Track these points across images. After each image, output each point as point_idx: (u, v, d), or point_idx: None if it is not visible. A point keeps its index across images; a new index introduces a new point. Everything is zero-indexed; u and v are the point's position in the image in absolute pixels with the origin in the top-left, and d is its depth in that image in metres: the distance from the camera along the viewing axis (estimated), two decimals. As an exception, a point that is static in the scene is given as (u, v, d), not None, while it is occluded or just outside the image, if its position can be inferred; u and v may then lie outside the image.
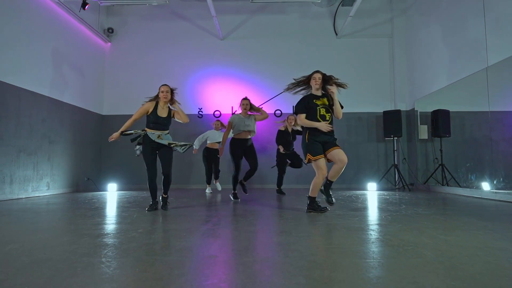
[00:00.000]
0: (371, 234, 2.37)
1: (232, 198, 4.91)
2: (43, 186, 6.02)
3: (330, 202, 3.49)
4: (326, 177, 3.47)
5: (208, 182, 6.56)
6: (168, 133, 3.87)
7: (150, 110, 3.79)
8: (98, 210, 3.85)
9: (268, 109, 8.20)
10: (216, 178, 6.72)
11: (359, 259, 1.73)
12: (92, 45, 7.82)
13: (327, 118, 3.52)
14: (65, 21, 6.77)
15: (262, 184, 7.91)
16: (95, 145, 7.83)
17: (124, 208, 4.07)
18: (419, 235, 2.31)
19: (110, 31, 8.27)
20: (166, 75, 8.33)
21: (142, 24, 8.46)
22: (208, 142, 6.61)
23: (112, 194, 6.10)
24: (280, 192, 5.92)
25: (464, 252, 1.86)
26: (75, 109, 7.08)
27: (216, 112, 8.21)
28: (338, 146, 3.46)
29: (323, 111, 3.52)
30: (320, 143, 3.44)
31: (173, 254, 1.87)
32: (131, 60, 8.40)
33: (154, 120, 3.74)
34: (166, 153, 3.76)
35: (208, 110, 8.25)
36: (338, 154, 3.37)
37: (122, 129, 3.77)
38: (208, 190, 6.52)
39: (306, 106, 3.54)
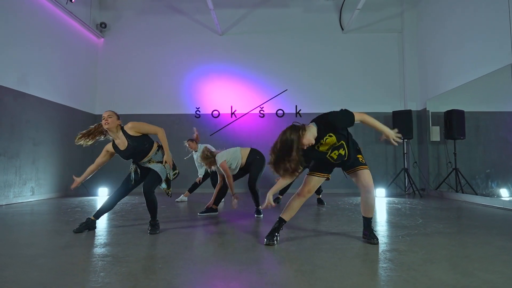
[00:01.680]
0: (388, 269, 1.91)
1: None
2: (26, 192, 5.60)
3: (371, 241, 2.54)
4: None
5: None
6: (150, 160, 3.01)
7: (112, 150, 3.02)
8: (76, 222, 3.41)
9: (270, 108, 7.74)
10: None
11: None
12: (84, 41, 7.39)
13: (344, 154, 2.46)
14: (52, 14, 6.33)
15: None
16: (86, 147, 7.39)
17: (105, 220, 3.62)
18: (451, 271, 1.84)
19: (103, 26, 7.83)
20: (162, 72, 7.90)
21: (137, 19, 8.02)
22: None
23: (101, 200, 5.67)
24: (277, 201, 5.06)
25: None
26: (64, 109, 6.65)
27: (214, 112, 7.76)
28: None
29: (335, 154, 2.47)
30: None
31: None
32: (125, 56, 7.96)
33: (123, 156, 3.00)
34: (150, 173, 3.01)
35: (206, 109, 7.80)
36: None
37: (83, 176, 3.12)
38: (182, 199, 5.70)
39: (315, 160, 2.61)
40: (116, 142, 2.95)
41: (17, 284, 1.65)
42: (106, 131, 2.95)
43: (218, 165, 3.89)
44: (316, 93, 7.72)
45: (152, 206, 2.99)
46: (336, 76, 7.73)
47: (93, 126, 3.07)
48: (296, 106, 7.73)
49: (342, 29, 7.81)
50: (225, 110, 7.76)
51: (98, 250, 2.33)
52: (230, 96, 7.78)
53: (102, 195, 6.45)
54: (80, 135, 3.03)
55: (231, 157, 3.96)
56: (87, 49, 7.52)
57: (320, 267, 1.93)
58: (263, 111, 7.72)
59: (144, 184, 2.99)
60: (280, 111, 7.72)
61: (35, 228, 3.26)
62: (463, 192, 5.94)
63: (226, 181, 3.91)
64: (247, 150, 4.10)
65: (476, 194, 5.67)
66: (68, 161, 6.69)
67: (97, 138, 3.04)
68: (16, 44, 5.43)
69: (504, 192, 5.25)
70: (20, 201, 5.41)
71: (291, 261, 2.11)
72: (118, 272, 1.83)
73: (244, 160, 4.02)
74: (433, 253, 2.23)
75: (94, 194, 6.74)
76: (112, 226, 3.32)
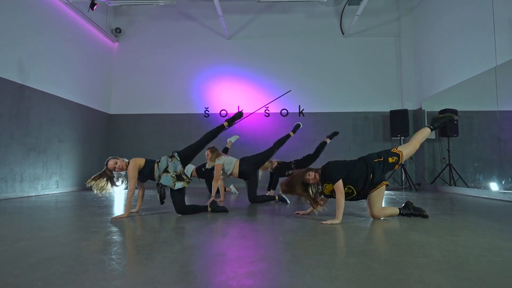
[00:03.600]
0: (378, 234, 2.38)
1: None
2: (52, 184, 6.11)
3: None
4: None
5: None
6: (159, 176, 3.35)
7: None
8: (107, 208, 3.91)
9: (274, 108, 8.22)
10: None
11: (365, 258, 1.75)
12: (100, 45, 7.91)
13: (352, 192, 2.98)
14: (73, 21, 6.85)
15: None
16: (102, 144, 7.92)
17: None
18: (426, 235, 2.31)
19: (118, 31, 8.35)
20: (172, 74, 8.40)
21: (149, 24, 8.53)
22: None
23: (119, 193, 6.16)
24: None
25: (471, 252, 1.86)
26: (83, 109, 7.17)
27: (222, 112, 8.25)
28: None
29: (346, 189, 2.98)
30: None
31: (181, 252, 1.90)
32: (138, 59, 8.47)
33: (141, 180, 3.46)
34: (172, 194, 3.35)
35: (215, 109, 8.29)
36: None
37: (127, 207, 3.23)
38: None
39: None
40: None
41: (38, 253, 2.14)
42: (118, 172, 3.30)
43: (214, 164, 4.36)
44: (318, 94, 8.19)
45: (193, 213, 3.37)
46: (337, 77, 8.21)
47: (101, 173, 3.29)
48: (299, 106, 8.20)
49: (343, 33, 8.28)
50: (232, 109, 8.24)
51: (125, 224, 2.81)
52: (237, 97, 8.26)
53: (119, 189, 6.91)
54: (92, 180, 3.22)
55: (227, 164, 4.45)
56: (103, 53, 8.04)
57: (319, 234, 2.40)
58: (268, 110, 8.20)
59: (174, 207, 3.33)
60: (284, 111, 8.20)
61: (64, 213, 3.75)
62: (456, 186, 6.39)
63: (212, 182, 4.36)
64: (238, 161, 4.51)
65: (468, 187, 6.12)
66: (87, 157, 7.20)
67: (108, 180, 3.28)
68: (42, 48, 5.94)
69: (493, 185, 5.69)
70: (47, 192, 5.92)
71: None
72: (131, 246, 2.31)
73: (236, 171, 4.45)
74: (414, 225, 2.69)
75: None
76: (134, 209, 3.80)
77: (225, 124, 3.58)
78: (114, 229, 2.60)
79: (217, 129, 3.61)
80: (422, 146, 7.61)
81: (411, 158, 7.78)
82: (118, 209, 3.90)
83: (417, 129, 7.78)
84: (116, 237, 2.28)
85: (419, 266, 1.61)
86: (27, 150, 5.50)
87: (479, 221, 2.90)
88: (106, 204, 4.29)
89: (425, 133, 3.04)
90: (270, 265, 1.64)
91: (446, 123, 3.09)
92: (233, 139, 5.89)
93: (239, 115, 3.74)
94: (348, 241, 2.18)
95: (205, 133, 3.64)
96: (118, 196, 5.54)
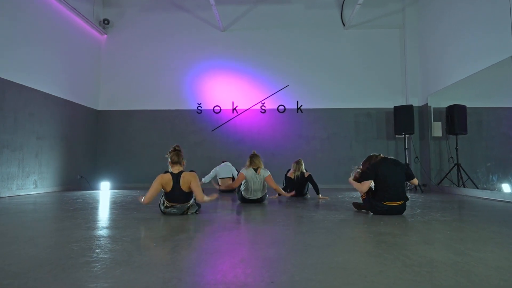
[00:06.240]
0: (382, 248, 1.92)
1: None
2: (29, 184, 5.67)
3: None
4: None
5: None
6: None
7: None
8: (76, 211, 3.45)
9: (271, 104, 7.76)
10: None
11: (367, 285, 1.29)
12: (87, 37, 7.46)
13: None
14: (57, 11, 6.40)
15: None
16: (89, 141, 7.48)
17: (105, 209, 3.66)
18: (444, 251, 1.85)
19: (106, 22, 7.90)
20: (164, 69, 7.95)
21: (139, 16, 8.08)
22: (218, 178, 6.05)
23: (103, 194, 5.72)
24: None
25: (506, 277, 1.40)
26: (68, 104, 6.72)
27: (216, 108, 7.79)
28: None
29: None
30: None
31: (126, 274, 1.44)
32: (128, 52, 8.03)
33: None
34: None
35: (208, 105, 7.84)
36: None
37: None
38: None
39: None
40: None
41: (16, 258, 1.69)
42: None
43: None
44: (317, 89, 7.72)
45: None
46: (337, 72, 7.73)
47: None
48: (297, 101, 7.74)
49: (344, 25, 7.81)
50: (226, 105, 7.79)
51: (96, 232, 2.36)
52: (232, 92, 7.81)
53: (104, 189, 6.49)
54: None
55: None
56: (90, 45, 7.59)
57: (313, 247, 1.95)
58: (265, 106, 7.74)
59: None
60: (281, 107, 7.73)
61: (37, 216, 3.31)
62: (464, 187, 5.91)
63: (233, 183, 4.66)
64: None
65: (478, 188, 5.64)
66: (71, 155, 6.76)
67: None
68: (20, 39, 5.50)
69: (505, 186, 5.22)
70: (23, 193, 5.48)
71: (284, 242, 2.12)
72: (112, 249, 1.86)
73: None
74: (427, 237, 2.23)
75: (96, 188, 6.80)
76: (112, 214, 3.35)
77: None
78: (62, 239, 2.14)
79: None
80: (427, 144, 7.18)
81: (416, 157, 7.31)
82: (91, 212, 3.45)
83: (423, 126, 7.32)
84: (55, 251, 1.83)
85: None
86: (0, 147, 5.06)
87: (504, 231, 2.44)
88: (77, 207, 3.83)
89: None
90: (266, 264, 1.19)
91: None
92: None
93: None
94: (346, 258, 1.72)
95: None
96: (100, 198, 5.09)
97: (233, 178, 6.00)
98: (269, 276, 1.42)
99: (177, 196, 3.08)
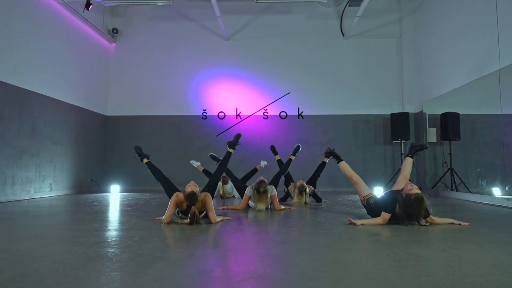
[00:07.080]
0: (376, 246, 2.25)
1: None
2: (45, 188, 5.99)
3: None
4: None
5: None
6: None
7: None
8: (98, 214, 3.78)
9: (273, 110, 8.09)
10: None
11: (363, 277, 1.62)
12: (97, 46, 7.79)
13: None
14: (69, 21, 6.74)
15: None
16: (99, 146, 7.80)
17: (124, 212, 3.99)
18: (428, 249, 2.18)
19: (114, 31, 8.24)
20: (170, 76, 8.28)
21: (146, 25, 8.41)
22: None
23: (114, 196, 6.04)
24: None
25: (477, 269, 1.73)
26: (79, 110, 7.05)
27: (220, 114, 8.12)
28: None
29: None
30: None
31: (166, 267, 1.76)
32: (135, 60, 8.36)
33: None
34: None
35: (213, 111, 8.17)
36: None
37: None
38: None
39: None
40: None
41: (73, 254, 2.01)
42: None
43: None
44: (318, 96, 8.06)
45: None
46: (337, 79, 8.08)
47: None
48: (298, 108, 8.08)
49: (343, 34, 8.16)
50: (230, 111, 8.12)
51: (125, 233, 2.68)
52: (236, 99, 8.14)
53: (114, 191, 6.81)
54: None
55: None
56: (100, 53, 7.92)
57: (317, 245, 2.27)
58: (267, 113, 8.07)
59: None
60: (283, 113, 8.07)
61: (62, 218, 3.62)
62: (457, 191, 6.25)
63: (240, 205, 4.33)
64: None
65: (470, 192, 5.98)
66: (82, 159, 7.08)
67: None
68: (37, 49, 5.82)
69: (496, 190, 5.55)
70: (40, 196, 5.79)
71: (292, 241, 2.45)
72: (146, 248, 2.18)
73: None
74: (415, 237, 2.56)
75: (106, 191, 7.11)
76: (132, 216, 3.67)
77: (231, 150, 3.96)
78: (100, 239, 2.47)
79: (227, 158, 3.95)
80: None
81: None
82: (109, 216, 3.77)
83: (418, 132, 7.67)
84: (99, 249, 2.15)
85: (421, 286, 1.48)
86: (19, 152, 5.37)
87: (484, 232, 2.77)
88: (97, 210, 4.15)
89: (410, 162, 3.58)
90: (260, 284, 1.51)
91: (418, 150, 3.72)
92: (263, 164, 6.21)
93: (238, 136, 4.09)
94: (345, 255, 2.05)
95: (217, 165, 4.06)
96: (112, 201, 5.41)
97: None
98: (284, 268, 1.75)
99: (192, 215, 3.13)
